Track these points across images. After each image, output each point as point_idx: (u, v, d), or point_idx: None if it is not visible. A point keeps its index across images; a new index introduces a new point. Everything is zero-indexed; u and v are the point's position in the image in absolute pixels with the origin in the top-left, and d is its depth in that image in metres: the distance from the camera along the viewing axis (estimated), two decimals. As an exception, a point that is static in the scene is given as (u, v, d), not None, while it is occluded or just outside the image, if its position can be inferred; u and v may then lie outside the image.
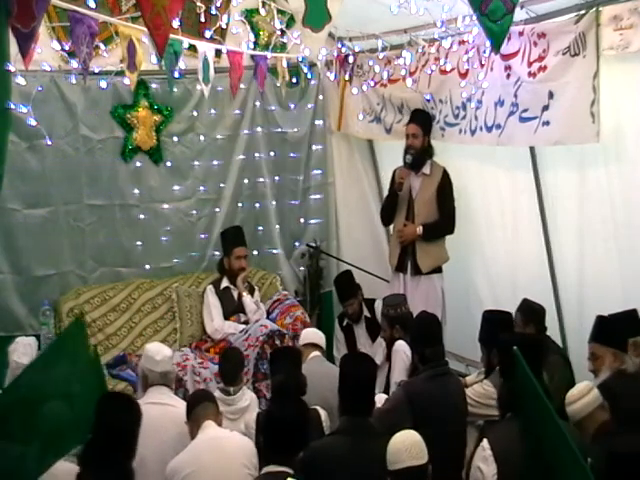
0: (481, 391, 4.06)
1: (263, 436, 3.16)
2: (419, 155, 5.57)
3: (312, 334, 4.79)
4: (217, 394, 4.05)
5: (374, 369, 3.55)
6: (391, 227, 6.06)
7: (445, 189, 5.57)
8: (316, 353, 4.56)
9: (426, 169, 5.61)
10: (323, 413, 3.81)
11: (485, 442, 3.14)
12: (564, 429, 2.63)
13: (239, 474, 3.43)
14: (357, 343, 6.01)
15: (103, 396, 3.32)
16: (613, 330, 3.88)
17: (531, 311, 4.58)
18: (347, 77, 6.27)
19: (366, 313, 6.01)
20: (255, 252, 6.51)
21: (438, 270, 5.65)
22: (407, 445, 2.87)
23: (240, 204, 6.42)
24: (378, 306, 5.94)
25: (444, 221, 5.58)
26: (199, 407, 3.66)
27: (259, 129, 6.39)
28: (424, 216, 5.59)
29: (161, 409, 3.85)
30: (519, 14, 4.32)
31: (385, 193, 6.80)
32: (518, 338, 3.61)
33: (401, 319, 4.76)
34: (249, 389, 4.64)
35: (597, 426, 3.26)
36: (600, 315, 4.00)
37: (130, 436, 3.14)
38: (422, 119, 5.61)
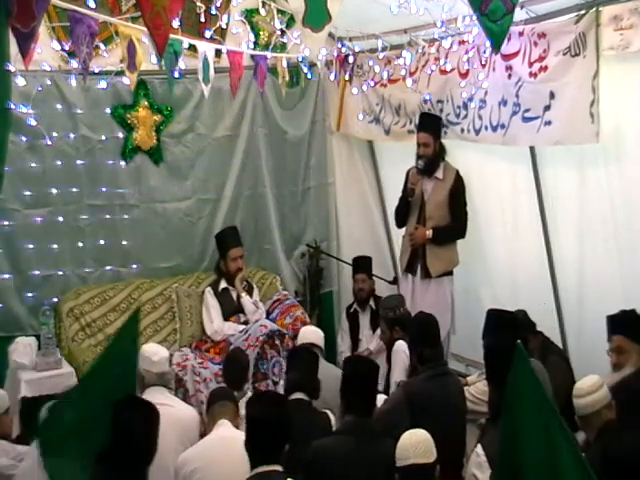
0: (483, 388, 4.05)
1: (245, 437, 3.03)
2: (431, 161, 5.50)
3: (310, 333, 4.76)
4: None
5: (376, 371, 3.56)
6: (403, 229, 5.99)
7: (457, 193, 5.50)
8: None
9: (439, 173, 5.52)
10: (333, 417, 3.80)
11: (479, 448, 3.15)
12: (568, 431, 2.59)
13: (245, 475, 3.43)
14: (359, 333, 6.05)
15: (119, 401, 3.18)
16: None
17: (526, 324, 4.53)
18: (347, 77, 6.27)
19: (372, 304, 6.05)
20: (255, 252, 6.52)
21: (448, 273, 5.61)
22: (414, 443, 2.92)
23: (240, 204, 6.42)
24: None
25: (455, 225, 5.53)
26: (216, 405, 3.66)
27: (259, 129, 6.39)
28: (435, 220, 5.53)
29: (160, 410, 3.82)
30: (519, 14, 4.33)
31: (385, 193, 6.83)
32: (496, 343, 3.60)
33: (400, 321, 4.76)
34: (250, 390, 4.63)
35: (602, 424, 3.23)
36: (627, 310, 3.96)
37: (148, 440, 3.06)
38: (432, 125, 5.51)
